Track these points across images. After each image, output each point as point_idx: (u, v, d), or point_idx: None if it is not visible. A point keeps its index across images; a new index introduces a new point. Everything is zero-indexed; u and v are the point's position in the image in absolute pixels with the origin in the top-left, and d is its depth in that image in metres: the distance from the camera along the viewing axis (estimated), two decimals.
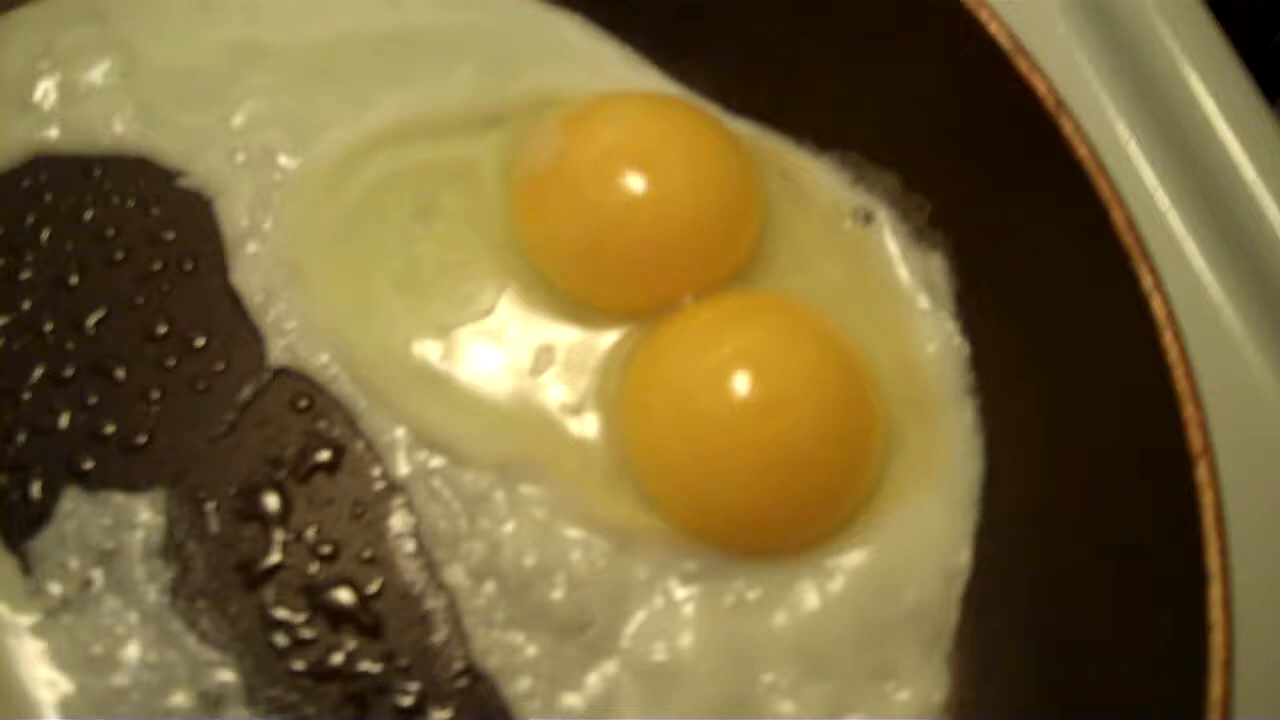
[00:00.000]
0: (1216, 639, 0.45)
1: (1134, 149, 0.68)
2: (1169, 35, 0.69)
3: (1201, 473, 0.47)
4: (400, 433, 0.56)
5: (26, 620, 0.53)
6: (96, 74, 0.61)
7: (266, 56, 0.63)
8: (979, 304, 0.58)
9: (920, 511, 0.56)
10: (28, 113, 0.61)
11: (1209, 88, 0.68)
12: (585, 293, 0.58)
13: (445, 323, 0.58)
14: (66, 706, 0.52)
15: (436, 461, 0.56)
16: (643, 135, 0.58)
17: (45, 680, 0.52)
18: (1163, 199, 0.67)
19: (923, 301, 0.59)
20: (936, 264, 0.59)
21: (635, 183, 0.56)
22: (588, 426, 0.56)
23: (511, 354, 0.57)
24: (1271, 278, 0.65)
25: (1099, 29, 0.70)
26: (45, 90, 0.61)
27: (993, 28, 0.52)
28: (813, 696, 0.53)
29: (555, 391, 0.57)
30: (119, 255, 0.59)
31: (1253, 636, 0.46)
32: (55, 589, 0.53)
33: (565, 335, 0.57)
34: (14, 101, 0.61)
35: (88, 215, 0.60)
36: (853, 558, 0.55)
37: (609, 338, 0.57)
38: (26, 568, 0.54)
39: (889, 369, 0.57)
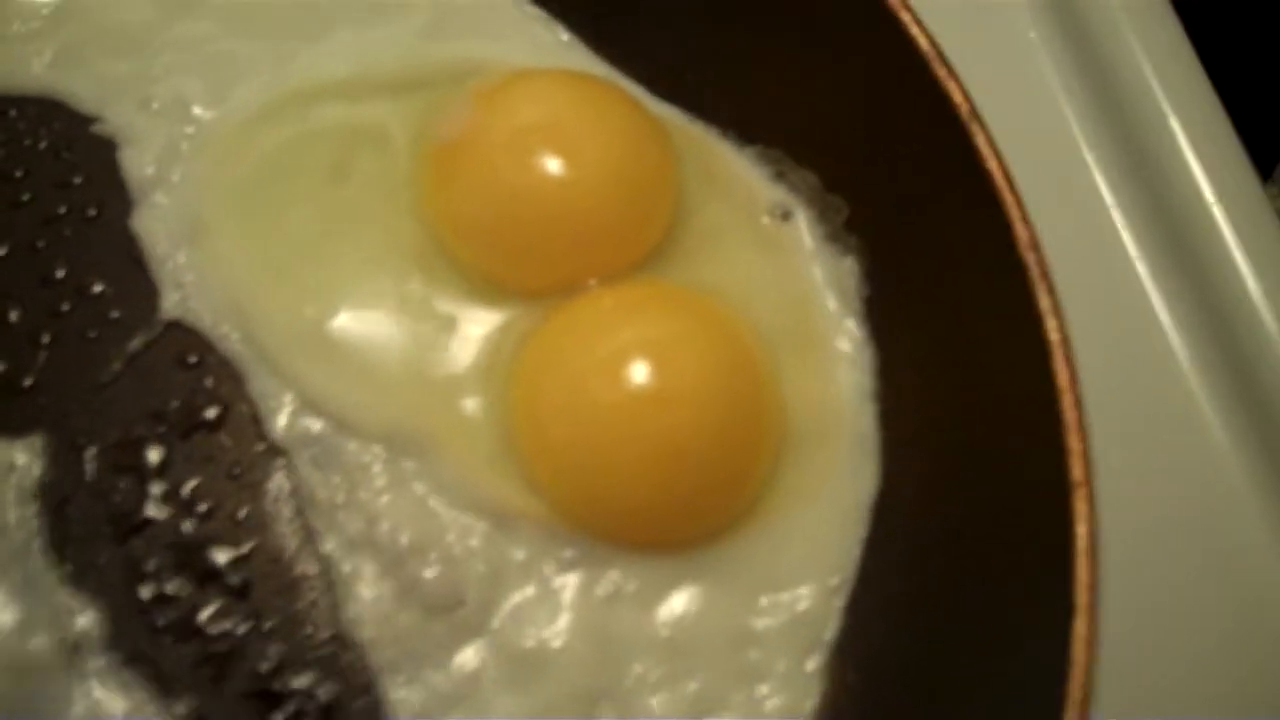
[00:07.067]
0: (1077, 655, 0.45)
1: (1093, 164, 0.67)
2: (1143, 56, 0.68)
3: (1079, 503, 0.47)
4: (287, 397, 0.56)
5: None
6: (22, 15, 0.61)
7: (200, 5, 0.62)
8: (887, 312, 0.57)
9: (809, 518, 0.55)
10: None
11: (1176, 109, 0.67)
12: (488, 269, 0.57)
13: (343, 289, 0.57)
14: None
15: (320, 429, 0.55)
16: (558, 112, 0.57)
17: None
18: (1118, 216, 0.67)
19: (832, 304, 0.58)
20: (849, 268, 0.58)
21: (546, 160, 0.55)
22: (476, 404, 0.55)
23: (407, 325, 0.56)
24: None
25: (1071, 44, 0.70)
26: None
27: (913, 31, 0.51)
28: (681, 693, 0.53)
29: (447, 367, 0.56)
30: (25, 197, 0.59)
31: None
32: None
33: (464, 310, 0.56)
34: None
35: None
36: (734, 560, 0.54)
37: (508, 316, 0.56)
38: None
39: (792, 370, 0.56)
